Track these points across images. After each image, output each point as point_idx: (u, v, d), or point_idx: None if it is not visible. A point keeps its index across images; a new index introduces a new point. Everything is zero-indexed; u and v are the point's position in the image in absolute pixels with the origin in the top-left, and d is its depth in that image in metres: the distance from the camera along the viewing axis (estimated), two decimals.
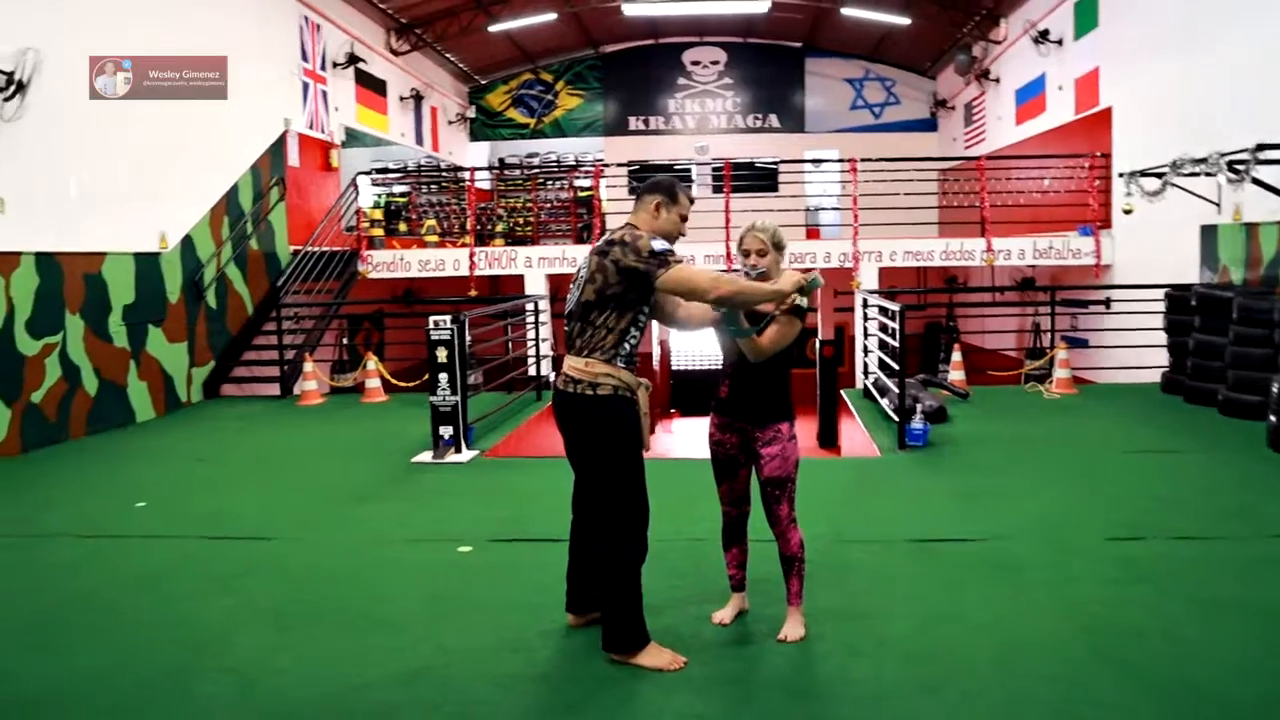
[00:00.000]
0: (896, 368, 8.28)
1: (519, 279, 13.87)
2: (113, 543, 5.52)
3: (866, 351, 11.08)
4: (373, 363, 11.04)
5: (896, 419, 7.89)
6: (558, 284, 12.75)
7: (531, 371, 11.13)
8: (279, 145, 13.10)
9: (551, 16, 18.73)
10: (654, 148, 21.88)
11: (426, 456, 7.62)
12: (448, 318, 7.74)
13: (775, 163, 17.74)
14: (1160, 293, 9.92)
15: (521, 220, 18.91)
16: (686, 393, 16.70)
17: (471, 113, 22.79)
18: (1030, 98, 15.96)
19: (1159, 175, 9.59)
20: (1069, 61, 14.15)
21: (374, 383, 10.95)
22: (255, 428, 9.45)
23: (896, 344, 8.52)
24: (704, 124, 22.84)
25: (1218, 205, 9.63)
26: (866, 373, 10.88)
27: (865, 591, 4.38)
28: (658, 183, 3.76)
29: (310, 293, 12.65)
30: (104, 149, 9.30)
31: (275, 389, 11.34)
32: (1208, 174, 8.76)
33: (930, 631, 3.91)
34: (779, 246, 3.80)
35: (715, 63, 22.77)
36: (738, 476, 3.91)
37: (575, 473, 3.80)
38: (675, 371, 18.13)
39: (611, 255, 3.53)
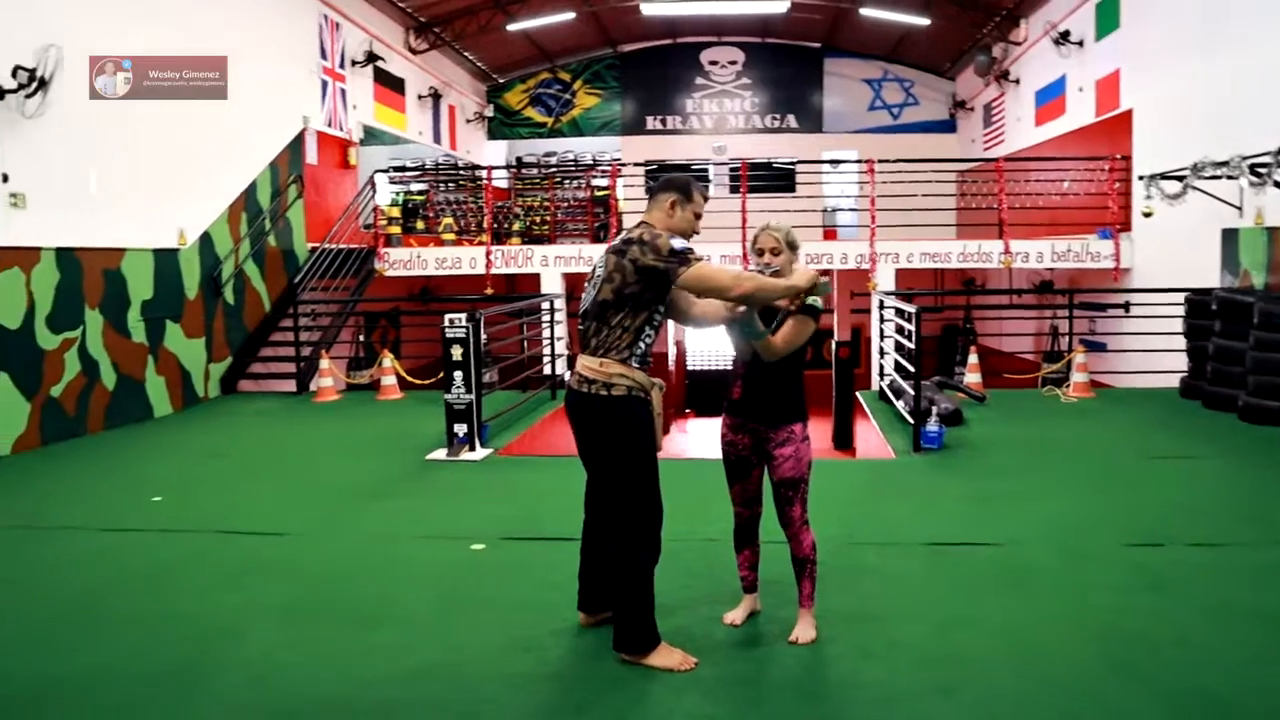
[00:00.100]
0: (912, 370, 8.24)
1: (535, 278, 13.88)
2: (128, 536, 5.56)
3: (882, 353, 11.04)
4: (388, 360, 11.08)
5: (912, 421, 7.86)
6: (574, 283, 12.75)
7: (546, 370, 11.14)
8: (297, 143, 13.16)
9: (570, 16, 18.74)
10: (671, 147, 21.87)
11: (441, 454, 7.64)
12: (463, 316, 7.76)
13: (793, 163, 17.69)
14: (1180, 297, 9.82)
15: (538, 219, 18.92)
16: (701, 393, 16.71)
17: (489, 111, 22.83)
18: (1050, 99, 15.86)
19: (1180, 178, 9.53)
20: (1090, 63, 14.04)
21: (389, 380, 10.98)
22: (271, 424, 9.51)
23: (912, 346, 8.49)
24: (721, 124, 22.80)
25: (1239, 209, 9.55)
26: (882, 374, 10.84)
27: (878, 594, 4.36)
28: (672, 181, 3.73)
29: (327, 290, 12.73)
30: (124, 145, 9.37)
31: (291, 385, 11.39)
32: (1229, 177, 8.70)
33: (943, 635, 3.88)
34: (793, 246, 3.79)
35: (733, 63, 22.73)
36: (750, 477, 3.90)
37: (587, 472, 3.79)
38: (690, 371, 18.14)
39: (630, 255, 3.51)
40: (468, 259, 13.90)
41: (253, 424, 9.51)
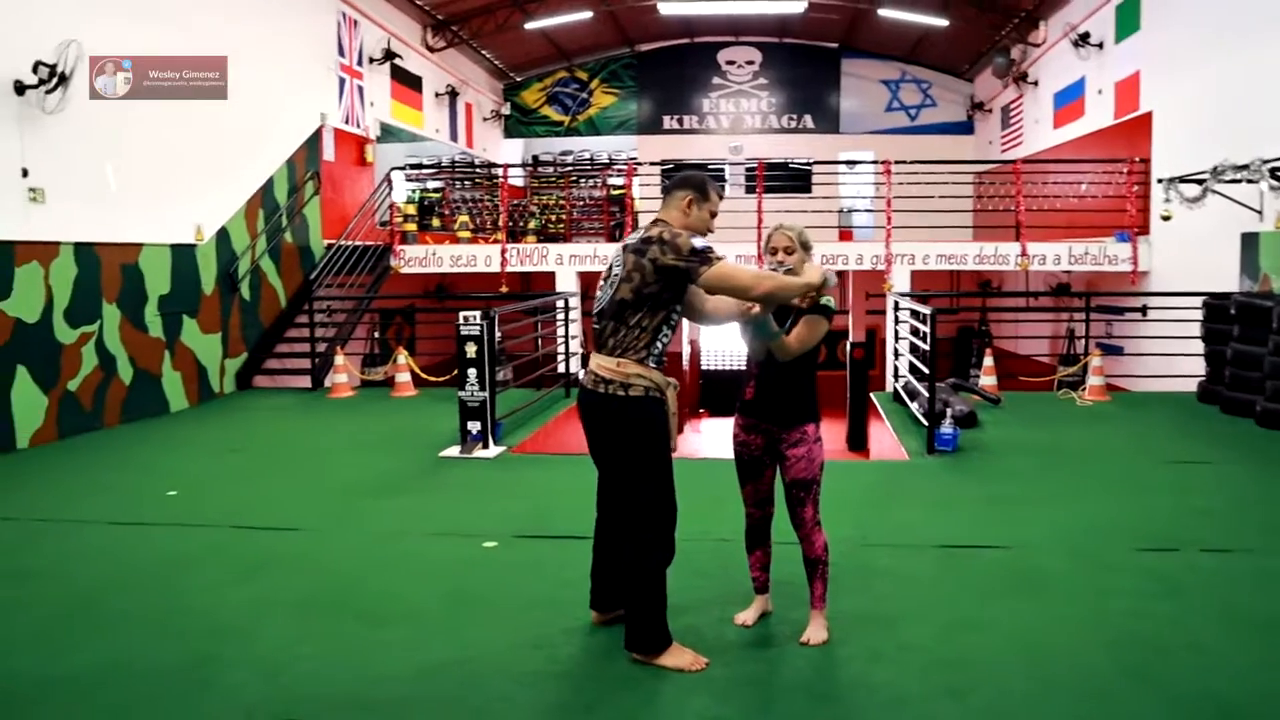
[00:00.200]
0: (927, 371, 8.21)
1: (550, 276, 13.90)
2: (143, 530, 5.59)
3: (897, 355, 10.99)
4: (403, 357, 11.11)
5: (926, 423, 7.83)
6: (589, 281, 12.76)
7: (561, 368, 11.16)
8: (314, 140, 13.22)
9: (587, 15, 18.76)
10: (688, 147, 21.86)
11: (454, 451, 7.66)
12: (478, 313, 7.77)
13: (809, 164, 17.64)
14: (1198, 301, 9.75)
15: (554, 217, 18.95)
16: (716, 392, 16.68)
17: (506, 110, 22.87)
18: (1069, 101, 15.77)
19: (1199, 181, 9.46)
20: (1109, 65, 13.96)
21: (404, 377, 11.01)
22: (286, 420, 9.55)
23: (927, 347, 8.45)
24: (738, 124, 22.78)
25: (1259, 212, 9.47)
26: (897, 376, 10.79)
27: (890, 596, 4.35)
28: (689, 178, 3.70)
29: (343, 286, 12.77)
30: (142, 141, 9.43)
31: (306, 381, 11.44)
32: (1249, 180, 8.63)
33: (954, 638, 3.87)
34: (806, 246, 3.78)
35: (750, 63, 22.70)
36: (762, 478, 3.89)
37: (600, 471, 3.78)
38: (705, 371, 18.12)
39: (649, 254, 3.48)
40: (483, 257, 13.93)
41: (267, 420, 9.55)
